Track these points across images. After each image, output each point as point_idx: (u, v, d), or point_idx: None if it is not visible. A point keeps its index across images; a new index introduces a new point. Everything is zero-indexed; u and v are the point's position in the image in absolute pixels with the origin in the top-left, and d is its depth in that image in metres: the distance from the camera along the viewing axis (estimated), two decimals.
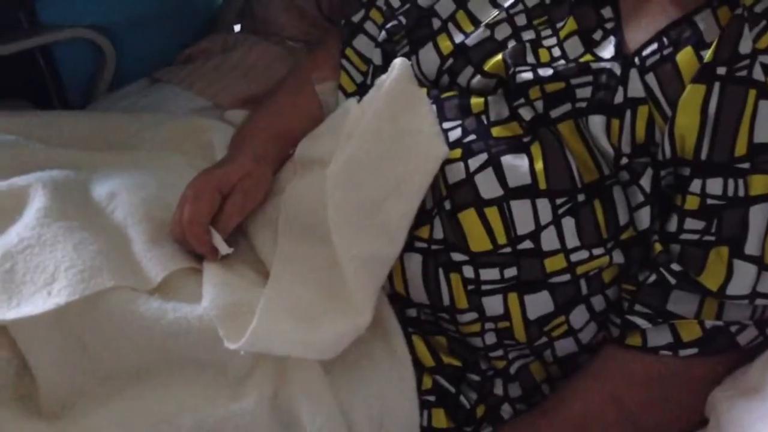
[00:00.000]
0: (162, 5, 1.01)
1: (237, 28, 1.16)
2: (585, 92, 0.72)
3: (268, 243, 0.77)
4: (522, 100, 0.75)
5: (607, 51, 0.75)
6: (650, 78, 0.71)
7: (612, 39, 0.75)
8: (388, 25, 0.87)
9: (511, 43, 0.79)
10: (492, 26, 0.80)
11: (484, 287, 0.73)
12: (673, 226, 0.70)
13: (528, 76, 0.75)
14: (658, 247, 0.70)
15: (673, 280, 0.69)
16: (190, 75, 1.02)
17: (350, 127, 0.77)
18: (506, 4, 0.81)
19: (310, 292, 0.73)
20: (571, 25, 0.77)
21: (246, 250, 0.78)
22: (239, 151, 0.84)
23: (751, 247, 0.67)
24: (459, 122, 0.77)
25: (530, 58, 0.77)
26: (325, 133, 0.81)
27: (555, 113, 0.73)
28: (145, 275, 0.70)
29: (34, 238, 0.68)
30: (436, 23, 0.83)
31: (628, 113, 0.70)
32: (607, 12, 0.77)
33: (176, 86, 1.01)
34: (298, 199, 0.78)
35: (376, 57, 0.87)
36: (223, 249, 0.74)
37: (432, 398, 0.75)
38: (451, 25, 0.83)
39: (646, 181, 0.70)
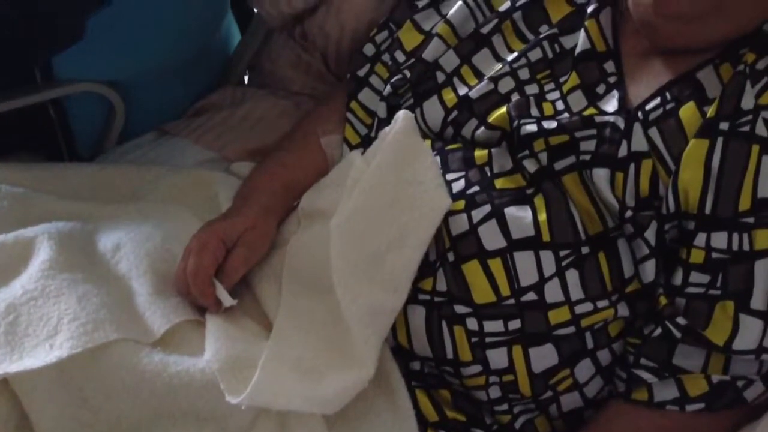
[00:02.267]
0: (175, 61, 1.03)
1: (245, 81, 1.18)
2: (589, 145, 0.73)
3: (272, 295, 0.77)
4: (526, 152, 0.75)
5: (611, 105, 0.75)
6: (653, 132, 0.72)
7: (615, 93, 0.76)
8: (393, 79, 0.88)
9: (515, 97, 0.80)
10: (496, 79, 0.82)
11: (488, 339, 0.72)
12: (678, 279, 0.70)
13: (532, 128, 0.75)
14: (663, 300, 0.70)
15: (678, 334, 0.69)
16: (198, 128, 1.03)
17: (354, 179, 0.78)
18: (509, 59, 0.83)
19: (313, 346, 0.72)
20: (574, 79, 0.78)
21: (249, 302, 0.78)
22: (244, 203, 0.84)
23: (757, 302, 0.67)
24: (462, 174, 0.78)
25: (534, 111, 0.78)
26: (329, 185, 0.82)
27: (559, 165, 0.74)
28: (148, 328, 0.70)
29: (38, 290, 0.69)
30: (441, 77, 0.85)
31: (632, 167, 0.71)
32: (609, 66, 0.78)
33: (184, 139, 1.02)
34: (301, 251, 0.78)
35: (381, 110, 0.89)
36: (227, 301, 0.74)
37: None
38: (455, 79, 0.84)
39: (650, 234, 0.70)
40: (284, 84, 1.09)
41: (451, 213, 0.75)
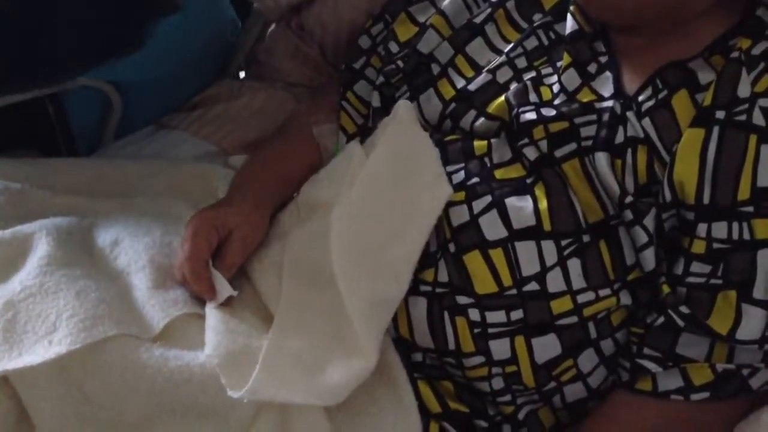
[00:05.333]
0: (179, 64, 1.02)
1: (242, 74, 1.17)
2: (589, 131, 0.72)
3: (272, 287, 0.77)
4: (526, 140, 0.75)
5: (607, 89, 0.75)
6: (647, 122, 0.71)
7: (608, 75, 0.76)
8: (386, 69, 0.88)
9: (513, 85, 0.79)
10: (493, 71, 0.81)
11: (490, 330, 0.72)
12: (679, 268, 0.69)
13: (531, 116, 0.75)
14: (665, 288, 0.69)
15: (681, 323, 0.68)
16: (196, 121, 1.03)
17: (354, 171, 0.77)
18: (506, 49, 0.82)
19: (315, 338, 0.72)
20: (566, 59, 0.78)
21: (249, 295, 0.78)
22: (237, 193, 0.84)
23: (759, 292, 0.66)
24: (462, 165, 0.77)
25: (533, 97, 0.77)
26: (328, 177, 0.81)
27: (560, 153, 0.73)
28: (147, 322, 0.69)
29: (36, 287, 0.68)
30: (436, 68, 0.84)
31: (629, 153, 0.70)
32: (599, 46, 0.78)
33: (182, 132, 1.02)
34: (302, 243, 0.78)
35: (375, 99, 0.88)
36: (226, 290, 0.73)
37: None
38: (451, 70, 0.83)
39: (649, 222, 0.69)
40: (281, 75, 1.08)
41: (451, 204, 0.74)
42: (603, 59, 0.77)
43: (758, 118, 0.67)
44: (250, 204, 0.81)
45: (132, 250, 0.76)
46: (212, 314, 0.72)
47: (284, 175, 0.87)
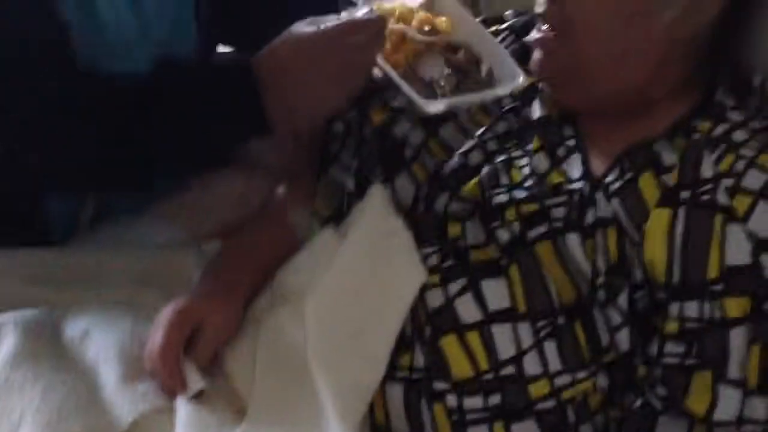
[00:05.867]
0: None
1: None
2: (560, 212, 0.74)
3: (245, 377, 0.75)
4: (499, 222, 0.76)
5: (575, 170, 0.77)
6: (615, 203, 0.72)
7: (577, 157, 0.78)
8: (361, 154, 0.89)
9: (485, 168, 0.81)
10: (465, 154, 0.82)
11: (468, 416, 0.71)
12: (654, 349, 0.69)
13: (503, 198, 0.76)
14: (641, 370, 0.69)
15: (659, 405, 0.68)
16: (171, 207, 1.03)
17: (328, 257, 0.78)
18: (478, 132, 0.84)
19: (290, 428, 0.71)
20: (536, 142, 0.80)
21: (222, 386, 0.76)
22: (210, 282, 0.83)
23: (734, 372, 0.66)
24: (437, 248, 0.77)
25: (504, 180, 0.79)
26: (303, 264, 0.81)
27: (532, 234, 0.74)
28: (115, 418, 0.68)
29: (1, 381, 0.66)
30: (409, 152, 0.85)
31: (600, 233, 0.71)
32: (566, 129, 0.80)
33: (157, 218, 1.01)
34: (276, 331, 0.77)
35: (349, 184, 0.89)
36: (196, 384, 0.72)
37: None
38: (423, 153, 0.85)
39: (623, 302, 0.70)
40: (255, 162, 1.09)
41: (426, 287, 0.74)
42: (571, 142, 0.79)
43: (723, 198, 0.68)
44: (223, 293, 0.81)
45: (102, 342, 0.75)
46: (183, 408, 0.70)
47: (259, 262, 0.86)
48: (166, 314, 0.77)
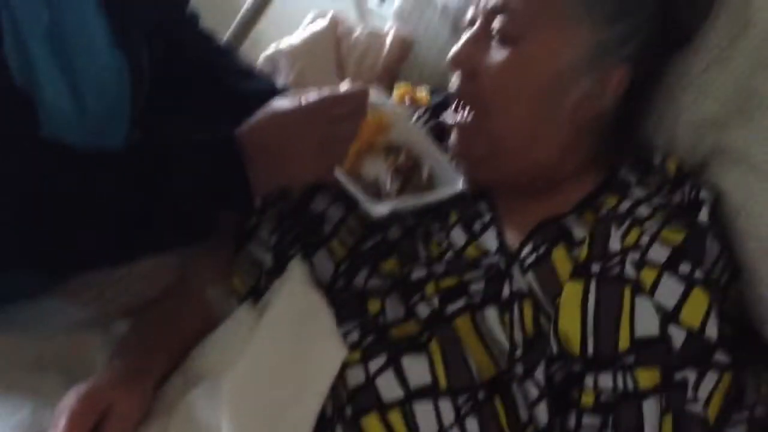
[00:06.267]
0: None
1: None
2: (478, 286, 0.75)
3: None
4: (418, 297, 0.76)
5: (491, 244, 0.79)
6: (530, 277, 0.74)
7: (492, 231, 0.80)
8: (280, 229, 0.88)
9: (404, 243, 0.81)
10: (384, 230, 0.83)
11: None
12: (572, 422, 0.70)
13: (422, 273, 0.77)
14: None
15: None
16: (74, 286, 0.98)
17: (246, 334, 0.76)
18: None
19: None
20: (453, 216, 0.82)
21: None
22: (118, 365, 0.79)
23: None
24: (357, 324, 0.77)
25: (422, 253, 0.80)
26: (219, 342, 0.79)
27: (451, 309, 0.74)
28: None
29: None
30: (327, 228, 0.85)
31: (516, 307, 0.73)
32: (482, 205, 0.83)
33: (58, 298, 0.96)
34: (189, 412, 0.74)
35: (268, 260, 0.87)
36: None
37: None
38: (342, 230, 0.85)
39: (540, 376, 0.70)
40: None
41: (347, 365, 0.73)
42: (486, 217, 0.81)
43: (630, 271, 0.71)
44: (131, 376, 0.77)
45: None
46: None
47: (172, 342, 0.83)
48: (69, 401, 0.72)
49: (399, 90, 0.90)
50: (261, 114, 0.79)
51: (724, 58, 0.82)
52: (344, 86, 0.82)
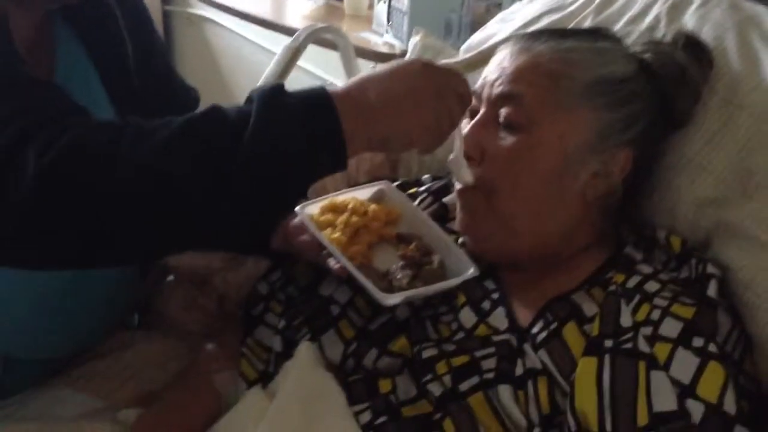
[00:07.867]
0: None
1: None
2: (490, 363, 0.74)
3: None
4: (430, 376, 0.75)
5: (501, 322, 0.79)
6: (543, 354, 0.74)
7: (502, 310, 0.80)
8: (288, 313, 0.88)
9: (412, 322, 0.81)
10: (392, 309, 0.83)
11: None
12: None
13: (433, 351, 0.77)
14: None
15: None
16: (81, 377, 0.97)
17: (257, 418, 0.75)
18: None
19: None
20: (461, 298, 0.82)
21: None
22: None
23: None
24: (368, 404, 0.76)
25: (432, 334, 0.79)
26: (230, 426, 0.77)
27: (464, 386, 0.74)
28: None
29: None
30: (335, 309, 0.85)
31: (530, 384, 0.72)
32: (489, 284, 0.83)
33: (66, 388, 0.95)
34: None
35: (277, 344, 0.87)
36: None
37: None
38: (350, 311, 0.85)
39: None
40: (177, 324, 1.06)
41: None
42: (494, 296, 0.81)
43: (643, 346, 0.71)
44: None
45: None
46: None
47: (182, 429, 0.81)
48: None
49: (373, 209, 0.87)
50: (357, 78, 0.74)
51: (717, 141, 0.85)
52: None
